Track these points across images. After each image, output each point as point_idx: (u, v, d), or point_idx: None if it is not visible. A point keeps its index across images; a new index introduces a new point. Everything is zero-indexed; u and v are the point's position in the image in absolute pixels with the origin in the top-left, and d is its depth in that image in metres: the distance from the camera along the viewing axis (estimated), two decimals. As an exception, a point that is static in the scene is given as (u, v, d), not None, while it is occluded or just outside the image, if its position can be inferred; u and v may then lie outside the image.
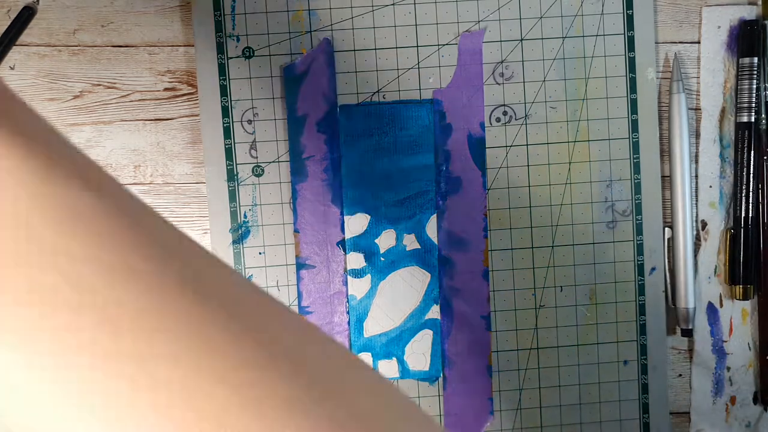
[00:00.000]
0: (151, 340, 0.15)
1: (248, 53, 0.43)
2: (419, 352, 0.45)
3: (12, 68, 0.44)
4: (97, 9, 0.44)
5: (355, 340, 0.45)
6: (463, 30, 0.44)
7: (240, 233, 0.44)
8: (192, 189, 0.45)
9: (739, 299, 0.44)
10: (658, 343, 0.46)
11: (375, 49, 0.44)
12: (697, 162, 0.45)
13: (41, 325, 0.15)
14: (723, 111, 0.44)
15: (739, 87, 0.44)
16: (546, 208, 0.45)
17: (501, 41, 0.44)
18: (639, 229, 0.45)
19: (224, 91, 0.43)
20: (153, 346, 0.15)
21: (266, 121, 0.44)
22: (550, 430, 0.46)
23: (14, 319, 0.14)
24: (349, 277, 0.45)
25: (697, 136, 0.45)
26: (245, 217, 0.44)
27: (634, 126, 0.45)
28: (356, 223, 0.44)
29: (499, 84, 0.44)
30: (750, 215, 0.44)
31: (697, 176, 0.45)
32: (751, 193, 0.44)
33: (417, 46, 0.44)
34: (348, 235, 0.44)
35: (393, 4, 0.44)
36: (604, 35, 0.44)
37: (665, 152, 0.45)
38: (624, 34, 0.44)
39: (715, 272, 0.45)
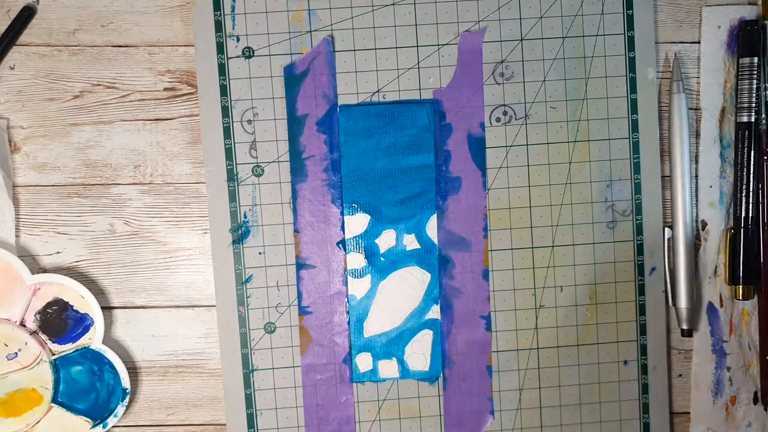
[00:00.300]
0: None
1: (248, 53, 0.43)
2: (419, 352, 0.45)
3: (12, 68, 0.44)
4: (97, 9, 0.44)
5: (355, 340, 0.45)
6: (463, 30, 0.44)
7: (240, 233, 0.44)
8: (192, 189, 0.45)
9: (740, 299, 0.44)
10: (658, 343, 0.46)
11: (375, 49, 0.44)
12: (697, 162, 0.45)
13: None
14: (723, 111, 0.44)
15: (739, 87, 0.44)
16: (546, 208, 0.45)
17: (501, 41, 0.44)
18: (639, 229, 0.45)
19: (224, 91, 0.43)
20: None
21: (266, 121, 0.44)
22: (550, 430, 0.46)
23: None
24: (349, 277, 0.45)
25: (698, 136, 0.45)
26: (245, 217, 0.44)
27: (634, 126, 0.45)
28: (356, 223, 0.44)
29: (499, 84, 0.44)
30: (750, 215, 0.44)
31: (697, 176, 0.45)
32: (751, 193, 0.44)
33: (417, 46, 0.44)
34: (348, 235, 0.44)
35: (393, 4, 0.44)
36: (604, 35, 0.44)
37: (665, 152, 0.45)
38: (624, 34, 0.44)
39: (715, 272, 0.45)
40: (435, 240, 0.45)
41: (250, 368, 0.44)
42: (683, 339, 0.46)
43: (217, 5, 0.43)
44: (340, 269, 0.44)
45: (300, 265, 0.44)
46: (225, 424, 0.45)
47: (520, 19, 0.44)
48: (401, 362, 0.45)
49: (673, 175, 0.44)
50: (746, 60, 0.43)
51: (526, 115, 0.44)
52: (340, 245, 0.44)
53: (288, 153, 0.44)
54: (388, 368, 0.45)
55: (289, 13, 0.43)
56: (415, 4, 0.44)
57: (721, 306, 0.45)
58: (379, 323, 0.45)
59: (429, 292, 0.45)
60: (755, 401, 0.46)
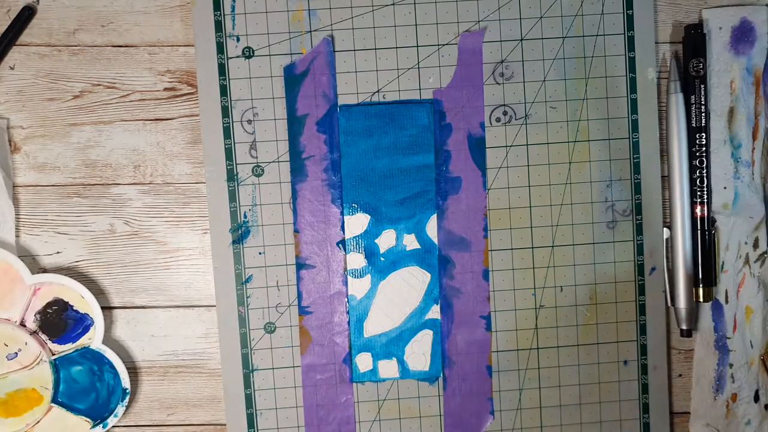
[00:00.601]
0: None
1: (248, 53, 0.43)
2: (419, 352, 0.45)
3: (12, 68, 0.44)
4: (97, 9, 0.44)
5: (355, 340, 0.45)
6: (463, 30, 0.44)
7: (240, 233, 0.44)
8: (192, 189, 0.45)
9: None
10: (658, 343, 0.46)
11: (375, 49, 0.44)
12: (708, 163, 0.44)
13: None
14: (731, 111, 0.44)
15: None
16: (546, 208, 0.45)
17: (501, 41, 0.44)
18: (639, 229, 0.45)
19: (224, 91, 0.43)
20: None
21: (266, 121, 0.44)
22: (550, 430, 0.46)
23: None
24: (349, 277, 0.45)
25: (707, 136, 0.44)
26: (245, 217, 0.44)
27: (634, 126, 0.45)
28: (356, 223, 0.44)
29: (499, 84, 0.44)
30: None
31: (708, 177, 0.44)
32: None
33: (417, 46, 0.44)
34: (348, 235, 0.44)
35: (393, 4, 0.44)
36: (604, 35, 0.44)
37: (665, 152, 0.45)
38: (624, 34, 0.44)
39: (722, 268, 0.45)
40: (435, 240, 0.45)
41: (250, 368, 0.44)
42: (683, 339, 0.46)
43: (217, 5, 0.43)
44: (340, 269, 0.44)
45: (300, 265, 0.44)
46: (225, 424, 0.45)
47: (520, 19, 0.44)
48: (401, 362, 0.45)
49: (671, 175, 0.44)
50: None
51: (526, 115, 0.44)
52: (340, 245, 0.44)
53: (288, 153, 0.44)
54: (388, 368, 0.45)
55: (289, 13, 0.43)
56: (415, 4, 0.44)
57: (727, 302, 0.45)
58: (379, 323, 0.45)
59: (429, 292, 0.45)
60: (756, 399, 0.46)
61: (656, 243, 0.45)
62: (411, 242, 0.45)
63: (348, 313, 0.45)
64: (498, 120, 0.44)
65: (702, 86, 0.43)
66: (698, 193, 0.44)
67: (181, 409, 0.46)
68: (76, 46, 0.44)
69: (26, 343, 0.42)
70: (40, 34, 0.44)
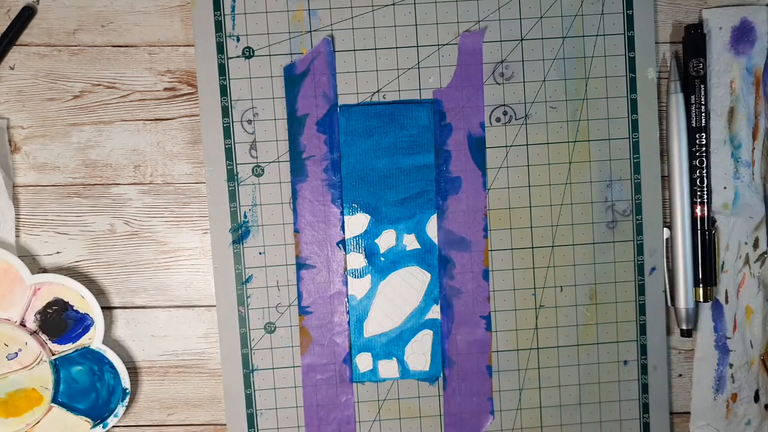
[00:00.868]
0: None
1: (248, 53, 0.43)
2: (419, 352, 0.45)
3: (12, 68, 0.44)
4: (97, 9, 0.44)
5: (355, 340, 0.45)
6: (463, 30, 0.44)
7: (240, 233, 0.44)
8: (192, 189, 0.45)
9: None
10: (658, 343, 0.46)
11: (375, 49, 0.44)
12: (708, 163, 0.44)
13: None
14: (731, 111, 0.44)
15: None
16: (546, 208, 0.45)
17: (501, 41, 0.44)
18: (639, 229, 0.45)
19: (224, 91, 0.43)
20: None
21: (266, 121, 0.44)
22: (550, 430, 0.46)
23: None
24: (349, 277, 0.45)
25: (707, 136, 0.44)
26: (245, 217, 0.44)
27: (634, 126, 0.45)
28: (356, 223, 0.44)
29: (499, 84, 0.44)
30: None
31: (708, 177, 0.44)
32: None
33: (417, 46, 0.44)
34: (348, 235, 0.44)
35: (393, 4, 0.44)
36: (604, 35, 0.44)
37: (665, 152, 0.45)
38: (624, 34, 0.44)
39: (722, 268, 0.45)
40: (435, 240, 0.45)
41: (250, 368, 0.44)
42: (683, 339, 0.46)
43: (217, 5, 0.43)
44: (340, 269, 0.44)
45: (300, 265, 0.44)
46: (225, 424, 0.45)
47: (520, 19, 0.44)
48: (401, 362, 0.45)
49: (671, 175, 0.44)
50: None
51: (526, 115, 0.44)
52: (340, 245, 0.44)
53: (288, 153, 0.44)
54: (388, 368, 0.45)
55: (289, 13, 0.43)
56: (415, 4, 0.44)
57: (727, 302, 0.45)
58: (379, 323, 0.45)
59: (429, 292, 0.45)
60: (756, 399, 0.46)
61: (656, 243, 0.45)
62: (411, 242, 0.45)
63: (348, 313, 0.45)
64: (498, 120, 0.44)
65: (702, 86, 0.43)
66: (698, 193, 0.44)
67: (181, 409, 0.46)
68: (76, 46, 0.44)
69: (26, 343, 0.42)
70: (40, 34, 0.44)
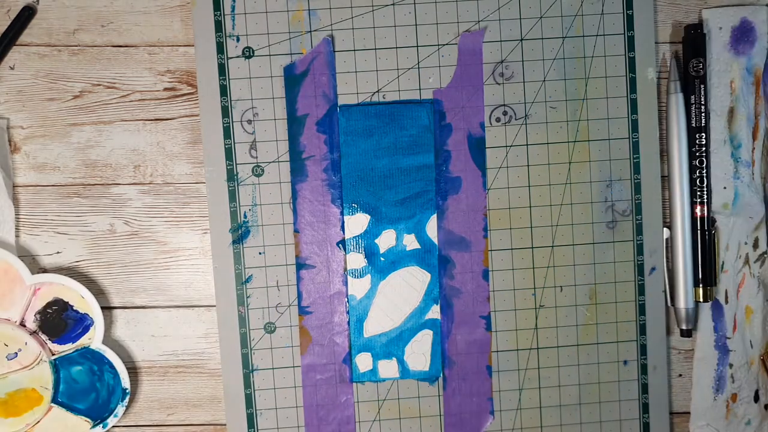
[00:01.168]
0: None
1: (248, 53, 0.43)
2: (419, 352, 0.45)
3: (12, 68, 0.44)
4: (97, 9, 0.44)
5: (355, 340, 0.45)
6: (463, 30, 0.44)
7: (240, 233, 0.44)
8: (192, 189, 0.45)
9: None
10: (658, 343, 0.46)
11: (375, 49, 0.44)
12: (708, 163, 0.44)
13: None
14: (731, 111, 0.44)
15: None
16: (546, 208, 0.45)
17: (501, 41, 0.44)
18: (639, 229, 0.45)
19: (224, 91, 0.43)
20: None
21: (266, 121, 0.44)
22: (550, 430, 0.46)
23: None
24: (349, 277, 0.45)
25: (707, 136, 0.44)
26: (245, 217, 0.44)
27: (634, 126, 0.45)
28: (356, 223, 0.44)
29: (499, 84, 0.44)
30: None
31: (708, 177, 0.44)
32: None
33: (417, 46, 0.44)
34: (348, 235, 0.44)
35: (393, 4, 0.44)
36: (604, 35, 0.44)
37: (665, 152, 0.45)
38: (624, 34, 0.44)
39: (722, 268, 0.45)
40: (435, 240, 0.45)
41: (250, 368, 0.44)
42: (683, 339, 0.46)
43: (217, 5, 0.43)
44: (340, 269, 0.44)
45: (300, 265, 0.44)
46: (225, 424, 0.45)
47: (520, 19, 0.44)
48: (401, 362, 0.45)
49: (671, 175, 0.44)
50: None
51: (526, 115, 0.44)
52: (340, 245, 0.44)
53: (288, 153, 0.44)
54: (388, 368, 0.45)
55: (289, 13, 0.43)
56: (415, 4, 0.44)
57: (726, 302, 0.45)
58: (379, 323, 0.45)
59: (429, 292, 0.45)
60: (756, 399, 0.46)
61: (656, 243, 0.45)
62: (411, 242, 0.45)
63: (348, 313, 0.45)
64: (498, 120, 0.44)
65: (702, 86, 0.43)
66: (698, 193, 0.44)
67: (181, 409, 0.46)
68: (76, 46, 0.44)
69: (26, 343, 0.42)
70: (40, 34, 0.44)
